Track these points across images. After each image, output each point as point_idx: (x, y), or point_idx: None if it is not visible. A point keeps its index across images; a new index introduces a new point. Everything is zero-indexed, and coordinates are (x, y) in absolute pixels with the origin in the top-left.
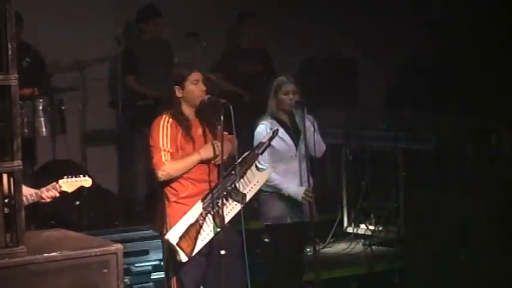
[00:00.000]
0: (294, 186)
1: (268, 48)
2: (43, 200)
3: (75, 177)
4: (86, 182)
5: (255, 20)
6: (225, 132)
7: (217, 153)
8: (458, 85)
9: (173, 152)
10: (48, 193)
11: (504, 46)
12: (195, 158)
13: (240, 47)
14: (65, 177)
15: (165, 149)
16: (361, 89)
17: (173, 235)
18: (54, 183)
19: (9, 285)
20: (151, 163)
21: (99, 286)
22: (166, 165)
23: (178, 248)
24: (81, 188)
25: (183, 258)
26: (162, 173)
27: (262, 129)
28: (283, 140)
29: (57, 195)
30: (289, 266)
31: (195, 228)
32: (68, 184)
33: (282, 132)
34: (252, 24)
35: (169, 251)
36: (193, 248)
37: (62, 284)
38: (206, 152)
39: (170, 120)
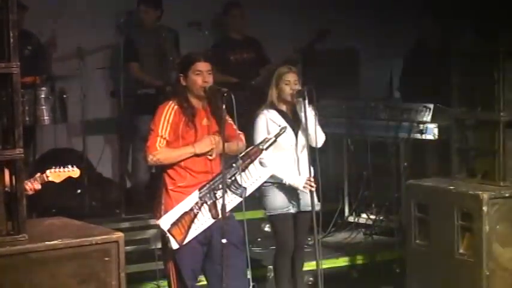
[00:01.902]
0: (294, 175)
1: (267, 37)
2: (25, 192)
3: (63, 167)
4: (74, 172)
5: (241, 9)
6: (236, 128)
7: (213, 147)
8: (460, 75)
9: (171, 140)
10: (29, 185)
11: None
12: (188, 150)
13: (229, 38)
14: (53, 167)
15: (162, 136)
16: (363, 78)
17: (165, 221)
18: (42, 173)
19: (11, 273)
20: (145, 145)
21: (100, 274)
22: (158, 151)
23: (169, 235)
24: (69, 178)
25: (174, 245)
26: (152, 158)
27: (262, 119)
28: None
29: (39, 187)
30: (290, 254)
31: (189, 217)
32: (55, 174)
33: (281, 122)
34: (237, 13)
35: (162, 237)
36: (185, 236)
37: (63, 272)
38: (201, 147)
39: (175, 107)
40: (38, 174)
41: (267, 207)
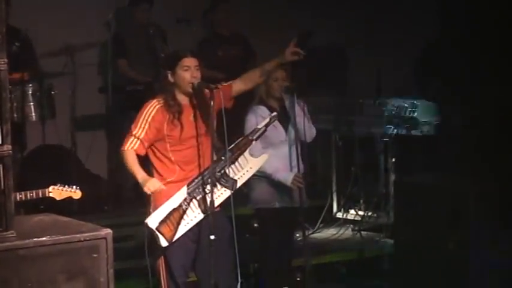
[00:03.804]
0: (283, 172)
1: (256, 34)
2: None
3: (67, 186)
4: (75, 194)
5: (229, 5)
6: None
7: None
8: (449, 72)
9: (153, 139)
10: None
11: (495, 33)
12: (136, 173)
13: (217, 33)
14: (58, 184)
15: (135, 135)
16: (351, 74)
17: (153, 220)
18: (44, 188)
19: None
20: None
21: (89, 271)
22: (125, 153)
23: (158, 233)
24: (69, 199)
25: (163, 243)
26: (121, 153)
27: (252, 116)
28: (273, 125)
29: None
30: (278, 251)
31: (178, 213)
32: (57, 192)
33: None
34: (226, 9)
35: (150, 235)
36: (175, 233)
37: (51, 269)
38: (149, 184)
39: (158, 106)
40: (42, 189)
41: (254, 201)
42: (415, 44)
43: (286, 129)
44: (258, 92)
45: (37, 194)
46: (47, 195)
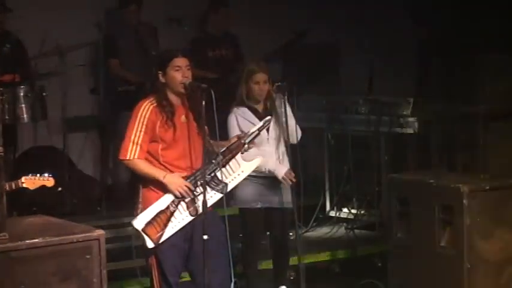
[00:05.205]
0: (275, 162)
1: (247, 33)
2: None
3: (39, 175)
4: (48, 182)
5: (229, 9)
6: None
7: (179, 190)
8: (441, 68)
9: (148, 141)
10: None
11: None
12: (157, 175)
13: (210, 33)
14: (30, 174)
15: (134, 141)
16: (343, 73)
17: (139, 221)
18: (17, 179)
19: None
20: (120, 147)
21: (82, 272)
22: (131, 161)
23: (143, 234)
24: (43, 187)
25: (149, 244)
26: (127, 163)
27: (232, 117)
28: (254, 126)
29: None
30: (275, 250)
31: (165, 215)
32: (30, 181)
33: (253, 118)
34: (225, 13)
35: (137, 236)
36: (161, 235)
37: (44, 270)
38: (170, 180)
39: (152, 106)
40: (15, 181)
41: (237, 200)
42: (408, 41)
43: (268, 129)
44: (238, 94)
45: (10, 186)
46: (20, 186)
